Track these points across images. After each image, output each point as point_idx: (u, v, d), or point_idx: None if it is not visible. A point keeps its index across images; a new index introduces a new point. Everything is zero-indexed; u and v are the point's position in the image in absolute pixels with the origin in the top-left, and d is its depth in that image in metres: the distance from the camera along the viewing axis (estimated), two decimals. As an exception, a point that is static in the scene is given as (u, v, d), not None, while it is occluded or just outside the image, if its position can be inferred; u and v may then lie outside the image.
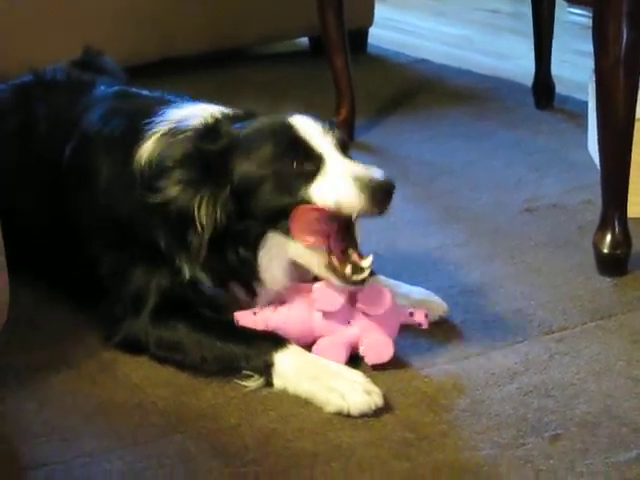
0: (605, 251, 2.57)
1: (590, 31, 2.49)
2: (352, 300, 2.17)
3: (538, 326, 2.35)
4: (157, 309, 2.22)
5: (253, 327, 2.18)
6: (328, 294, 2.14)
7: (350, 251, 2.13)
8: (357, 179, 2.08)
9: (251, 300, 2.22)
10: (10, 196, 2.49)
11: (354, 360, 2.17)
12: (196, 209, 2.11)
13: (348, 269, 2.12)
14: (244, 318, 2.19)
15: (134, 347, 2.23)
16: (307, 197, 2.11)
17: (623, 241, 2.57)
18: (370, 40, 4.65)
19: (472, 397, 2.09)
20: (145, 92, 2.52)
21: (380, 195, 2.07)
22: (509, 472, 1.87)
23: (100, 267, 2.28)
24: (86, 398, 2.11)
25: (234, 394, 2.10)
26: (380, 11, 4.71)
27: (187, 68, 4.08)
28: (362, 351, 2.16)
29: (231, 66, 4.27)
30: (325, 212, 2.09)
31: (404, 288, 2.37)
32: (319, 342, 2.17)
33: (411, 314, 2.21)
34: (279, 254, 2.15)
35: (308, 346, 2.16)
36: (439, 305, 2.36)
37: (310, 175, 2.12)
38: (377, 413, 2.02)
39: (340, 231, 2.13)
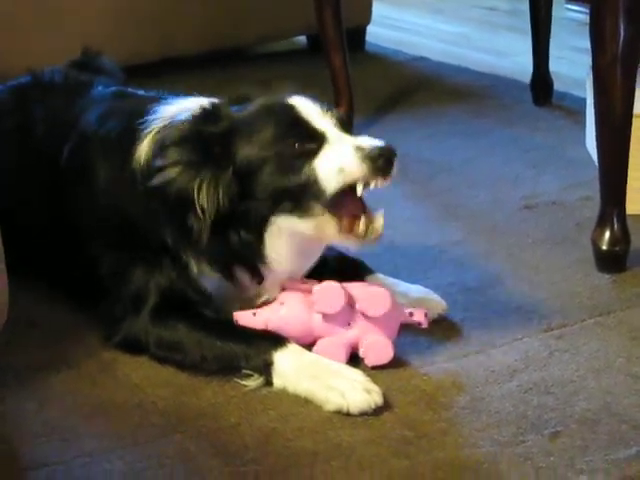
0: (604, 248, 2.57)
1: (588, 27, 2.49)
2: (352, 302, 2.17)
3: (537, 323, 2.35)
4: (157, 309, 2.22)
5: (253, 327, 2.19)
6: (328, 296, 2.14)
7: (361, 214, 2.14)
8: (358, 149, 2.09)
9: (257, 285, 2.22)
10: (9, 197, 2.49)
11: (354, 359, 2.17)
12: (196, 191, 2.10)
13: (362, 227, 2.13)
14: (244, 318, 2.20)
15: (134, 347, 2.23)
16: (311, 175, 2.11)
17: (622, 238, 2.57)
18: (368, 38, 4.65)
19: (472, 395, 2.09)
20: (142, 92, 2.52)
21: (382, 162, 2.08)
22: (509, 469, 1.87)
23: (100, 267, 2.28)
24: (86, 398, 2.11)
25: (234, 393, 2.11)
26: (378, 9, 4.71)
27: (186, 68, 4.08)
28: (362, 353, 2.16)
29: (230, 65, 4.27)
30: None
31: (403, 286, 2.37)
32: (319, 343, 2.17)
33: (411, 314, 2.21)
34: (286, 234, 2.15)
35: (308, 346, 2.16)
36: (438, 303, 2.36)
37: (312, 153, 2.13)
38: (377, 412, 2.02)
39: (348, 200, 2.13)
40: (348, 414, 2.02)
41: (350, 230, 2.14)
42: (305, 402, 2.06)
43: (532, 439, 1.95)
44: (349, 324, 2.17)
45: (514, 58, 4.45)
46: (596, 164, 2.63)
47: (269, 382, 2.11)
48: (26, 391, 2.13)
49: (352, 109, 3.56)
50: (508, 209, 2.98)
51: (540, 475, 1.86)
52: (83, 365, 2.22)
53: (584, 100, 3.39)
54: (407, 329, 2.25)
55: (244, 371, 2.12)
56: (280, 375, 2.09)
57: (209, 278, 2.22)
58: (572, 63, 4.26)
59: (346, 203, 2.14)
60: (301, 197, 2.13)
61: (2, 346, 2.14)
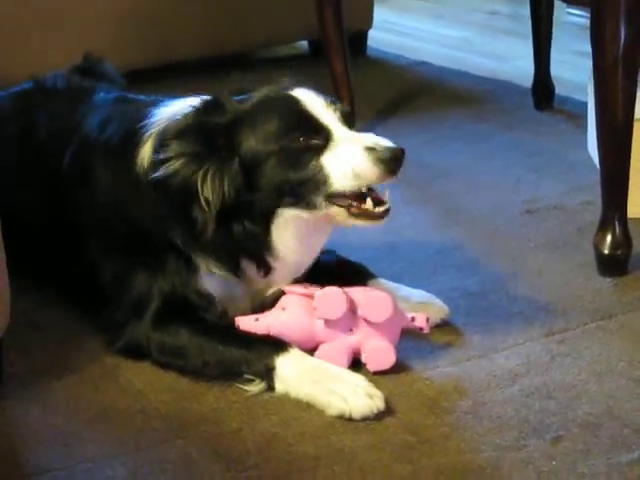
0: (605, 252, 2.57)
1: (589, 31, 2.49)
2: (354, 307, 2.17)
3: (539, 328, 2.35)
4: (159, 314, 2.22)
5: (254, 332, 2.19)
6: (330, 301, 2.14)
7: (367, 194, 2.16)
8: (368, 150, 2.10)
9: (265, 277, 2.22)
10: (11, 201, 2.49)
11: (356, 364, 2.17)
12: (200, 182, 2.10)
13: (369, 204, 2.14)
14: (245, 323, 2.20)
15: (136, 352, 2.23)
16: (318, 171, 2.12)
17: (623, 242, 2.57)
18: (369, 43, 4.65)
19: (474, 399, 2.09)
20: (142, 97, 2.52)
21: (393, 164, 2.10)
22: (511, 474, 1.87)
23: (102, 272, 2.29)
24: (89, 403, 2.11)
25: (236, 398, 2.11)
26: (379, 14, 4.72)
27: (188, 73, 4.09)
28: (364, 358, 2.16)
29: (231, 70, 4.27)
30: None
31: (405, 291, 2.37)
32: (321, 348, 2.17)
33: (412, 319, 2.21)
34: (292, 224, 2.16)
35: (310, 351, 2.16)
36: (440, 308, 2.36)
37: (319, 149, 2.13)
38: (379, 416, 2.02)
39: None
40: (350, 419, 2.02)
41: (359, 211, 2.15)
42: (307, 407, 2.07)
43: (534, 443, 1.95)
44: (351, 329, 2.17)
45: (515, 62, 4.45)
46: (597, 168, 2.63)
47: (271, 387, 2.11)
48: (29, 395, 2.13)
49: (354, 114, 3.56)
50: (509, 213, 2.98)
51: (542, 479, 1.85)
52: (86, 370, 2.22)
53: (585, 104, 3.39)
54: (409, 334, 2.25)
55: (246, 376, 2.12)
56: (282, 380, 2.10)
57: (214, 279, 2.22)
58: (573, 67, 4.26)
59: (350, 193, 2.15)
60: (306, 191, 2.13)
61: (5, 350, 2.15)
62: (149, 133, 2.24)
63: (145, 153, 2.22)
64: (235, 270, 2.21)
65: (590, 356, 2.23)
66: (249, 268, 2.21)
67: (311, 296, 2.17)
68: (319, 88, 2.25)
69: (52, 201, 2.44)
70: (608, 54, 2.45)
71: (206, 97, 2.23)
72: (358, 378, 2.08)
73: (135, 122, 2.28)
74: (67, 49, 3.41)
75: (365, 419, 2.02)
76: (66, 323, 2.39)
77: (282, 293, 2.23)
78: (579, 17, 4.96)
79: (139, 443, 1.98)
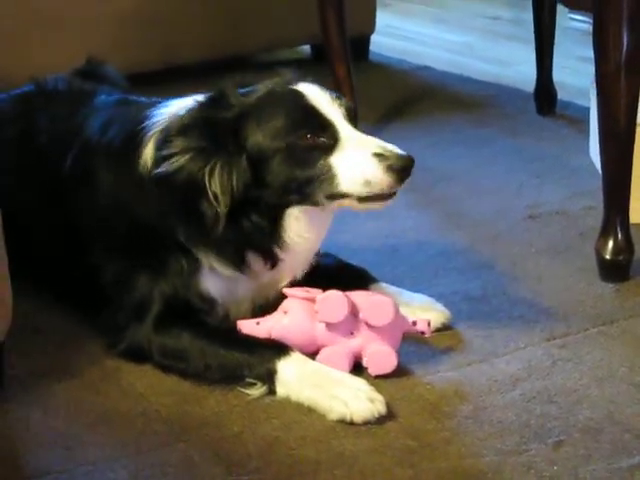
0: (607, 257, 2.57)
1: (591, 37, 2.49)
2: (355, 311, 2.17)
3: (540, 332, 2.35)
4: (161, 317, 2.22)
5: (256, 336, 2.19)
6: (331, 305, 2.14)
7: None
8: (378, 157, 2.11)
9: (270, 271, 2.22)
10: (11, 204, 2.49)
11: (357, 368, 2.17)
12: (207, 178, 2.10)
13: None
14: (247, 327, 2.20)
15: (138, 355, 2.23)
16: (326, 171, 2.12)
17: (625, 247, 2.57)
18: (372, 47, 4.66)
19: (475, 404, 2.09)
20: (144, 99, 2.52)
21: (403, 174, 2.11)
22: (512, 479, 1.87)
23: (104, 274, 2.29)
24: (90, 406, 2.11)
25: (237, 402, 2.11)
26: (382, 18, 4.72)
27: (190, 76, 4.08)
28: (365, 362, 2.16)
29: (234, 74, 4.27)
30: None
31: (406, 295, 2.37)
32: (322, 352, 2.17)
33: (414, 323, 2.21)
34: (301, 216, 2.17)
35: (311, 355, 2.16)
36: (442, 312, 2.36)
37: (326, 148, 2.14)
38: (380, 421, 2.02)
39: None
40: (351, 423, 2.02)
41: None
42: (308, 411, 2.06)
43: (535, 448, 1.95)
44: (352, 333, 2.17)
45: (518, 67, 4.45)
46: (600, 173, 2.63)
47: (272, 391, 2.11)
48: (30, 398, 2.13)
49: (356, 118, 3.55)
50: (511, 218, 2.98)
51: (543, 484, 1.86)
52: (87, 373, 2.22)
53: (588, 109, 3.39)
54: (410, 338, 2.25)
55: (247, 380, 2.12)
56: (283, 384, 2.10)
57: (216, 278, 2.22)
58: (576, 72, 4.26)
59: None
60: (313, 190, 2.14)
61: (6, 352, 2.15)
62: (151, 133, 2.24)
63: (148, 153, 2.22)
64: (240, 265, 2.20)
65: (591, 361, 2.23)
66: (255, 262, 2.21)
67: (312, 300, 2.17)
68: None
69: (53, 204, 2.44)
70: (611, 61, 2.45)
71: (210, 91, 2.22)
72: (359, 382, 2.08)
73: (136, 124, 2.28)
74: (68, 51, 3.42)
75: (366, 423, 2.02)
76: (67, 326, 2.39)
77: (284, 297, 2.23)
78: (581, 22, 4.96)
79: (140, 446, 1.98)
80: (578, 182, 3.20)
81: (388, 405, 2.05)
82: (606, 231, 2.58)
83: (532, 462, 1.91)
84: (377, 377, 2.16)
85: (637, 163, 2.59)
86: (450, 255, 2.75)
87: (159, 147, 2.17)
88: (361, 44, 4.52)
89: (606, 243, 2.57)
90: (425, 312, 2.31)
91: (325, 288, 2.19)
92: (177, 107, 2.26)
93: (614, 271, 2.57)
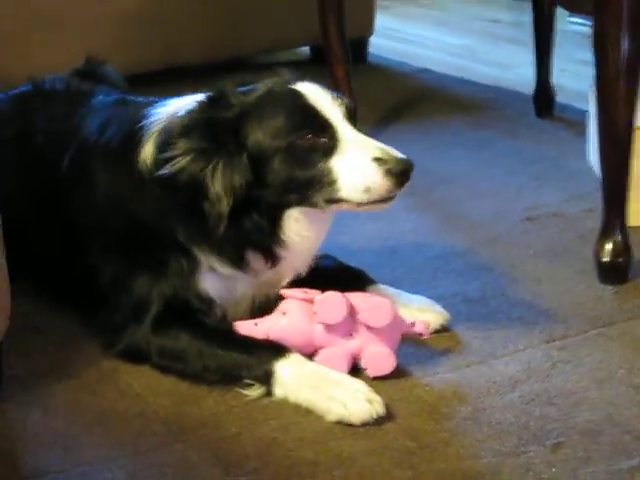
0: (606, 259, 2.57)
1: (590, 40, 2.49)
2: (354, 312, 2.17)
3: (539, 334, 2.35)
4: (159, 318, 2.21)
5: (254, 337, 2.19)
6: (330, 306, 2.14)
7: None
8: (378, 161, 2.10)
9: (271, 269, 2.21)
10: (9, 205, 2.49)
11: (355, 369, 2.17)
12: (209, 178, 2.10)
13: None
14: (245, 328, 2.19)
15: (136, 356, 2.23)
16: (326, 173, 2.12)
17: (624, 249, 2.57)
18: (371, 50, 4.66)
19: (474, 405, 2.09)
20: (141, 99, 2.52)
21: (403, 178, 2.10)
22: (511, 480, 1.87)
23: (102, 274, 2.29)
24: (88, 406, 2.11)
25: (235, 403, 2.10)
26: (381, 21, 4.73)
27: (190, 77, 4.09)
28: (364, 363, 2.16)
29: (233, 75, 4.28)
30: None
31: (405, 297, 2.37)
32: (321, 353, 2.17)
33: (412, 324, 2.21)
34: (301, 216, 2.17)
35: (309, 356, 2.16)
36: (440, 314, 2.35)
37: (326, 149, 2.13)
38: (378, 422, 2.02)
39: None
40: (350, 424, 2.02)
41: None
42: (306, 412, 2.06)
43: (534, 450, 1.94)
44: (351, 334, 2.17)
45: (517, 70, 4.46)
46: (598, 176, 2.63)
47: (270, 392, 2.11)
48: (29, 398, 2.13)
49: (356, 117, 3.55)
50: (510, 220, 2.98)
51: (542, 486, 1.86)
52: (85, 373, 2.22)
53: (586, 112, 3.39)
54: (409, 339, 2.25)
55: (245, 381, 2.12)
56: (281, 385, 2.09)
57: (215, 278, 2.22)
58: (574, 75, 4.27)
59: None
60: (312, 191, 2.13)
61: (5, 352, 2.15)
62: (149, 133, 2.24)
63: (147, 153, 2.22)
64: (240, 263, 2.20)
65: (591, 363, 2.23)
66: (255, 260, 2.21)
67: (311, 301, 2.17)
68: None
69: (51, 204, 2.44)
70: (610, 65, 2.44)
71: (210, 91, 2.22)
72: (358, 383, 2.07)
73: (134, 123, 2.28)
74: (68, 51, 3.41)
75: (364, 424, 2.01)
76: (66, 326, 2.39)
77: (282, 298, 2.23)
78: (581, 25, 4.97)
79: (138, 446, 1.98)
80: (576, 184, 3.20)
81: (387, 406, 2.05)
82: (605, 233, 2.58)
83: (531, 464, 1.90)
84: (375, 378, 2.16)
85: (635, 166, 2.59)
86: (449, 257, 2.75)
87: (160, 149, 2.17)
88: (360, 46, 4.53)
89: (605, 245, 2.57)
90: (424, 314, 2.31)
91: (324, 289, 2.19)
92: (175, 106, 2.26)
93: (613, 273, 2.57)
